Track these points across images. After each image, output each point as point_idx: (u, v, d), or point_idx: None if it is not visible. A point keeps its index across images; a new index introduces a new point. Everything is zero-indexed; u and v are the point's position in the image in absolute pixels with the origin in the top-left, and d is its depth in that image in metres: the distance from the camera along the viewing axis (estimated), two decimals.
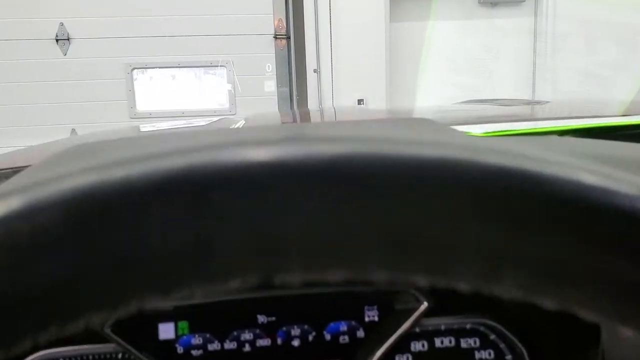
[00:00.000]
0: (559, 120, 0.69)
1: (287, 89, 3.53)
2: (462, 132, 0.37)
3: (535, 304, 0.14)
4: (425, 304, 0.43)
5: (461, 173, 0.12)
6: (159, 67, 3.40)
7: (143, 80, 3.41)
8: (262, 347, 0.45)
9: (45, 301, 0.12)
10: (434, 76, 3.60)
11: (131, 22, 3.31)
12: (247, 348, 0.44)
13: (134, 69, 3.38)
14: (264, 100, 3.50)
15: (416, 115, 1.29)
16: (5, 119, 3.33)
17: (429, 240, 0.13)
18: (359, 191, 0.13)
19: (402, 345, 0.45)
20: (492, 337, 0.46)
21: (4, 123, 3.34)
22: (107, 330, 0.41)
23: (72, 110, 3.34)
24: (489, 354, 0.46)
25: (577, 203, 0.13)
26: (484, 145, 0.14)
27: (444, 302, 0.44)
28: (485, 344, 0.46)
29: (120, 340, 0.42)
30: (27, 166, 0.74)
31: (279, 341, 0.45)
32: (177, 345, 0.44)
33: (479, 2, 3.58)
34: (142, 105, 3.42)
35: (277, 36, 3.47)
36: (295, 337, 0.45)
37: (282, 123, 1.33)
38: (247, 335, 0.44)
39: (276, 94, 3.52)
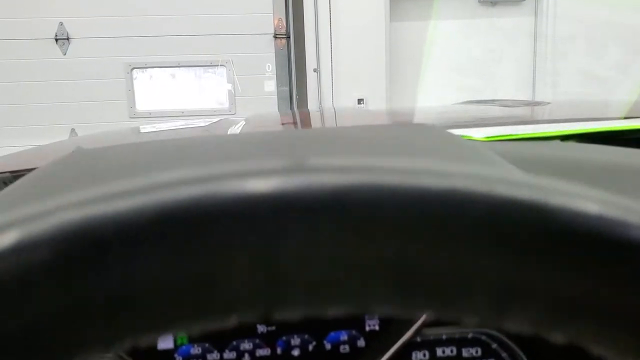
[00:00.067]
0: (561, 124, 0.68)
1: (287, 89, 3.53)
2: (464, 142, 0.36)
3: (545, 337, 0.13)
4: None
5: (469, 206, 0.12)
6: (159, 67, 3.39)
7: (143, 80, 3.40)
8: (261, 357, 0.44)
9: (34, 341, 0.12)
10: (434, 76, 3.60)
11: (131, 22, 3.30)
12: (246, 358, 0.44)
13: (134, 68, 3.37)
14: (263, 100, 3.49)
15: (417, 116, 1.29)
16: (4, 118, 3.32)
17: (435, 276, 0.13)
18: (363, 226, 0.12)
19: (403, 355, 0.44)
20: (494, 346, 0.45)
21: (3, 123, 3.33)
22: None
23: (72, 109, 3.34)
24: None
25: (587, 236, 0.12)
26: (491, 174, 0.13)
27: None
28: (487, 354, 0.45)
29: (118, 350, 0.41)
30: (25, 170, 0.74)
31: (279, 351, 0.44)
32: (176, 355, 0.44)
33: (479, 2, 3.57)
34: (141, 105, 3.42)
35: (277, 36, 3.46)
36: (295, 346, 0.44)
37: (283, 124, 1.32)
38: (246, 345, 0.44)
39: (276, 94, 3.52)
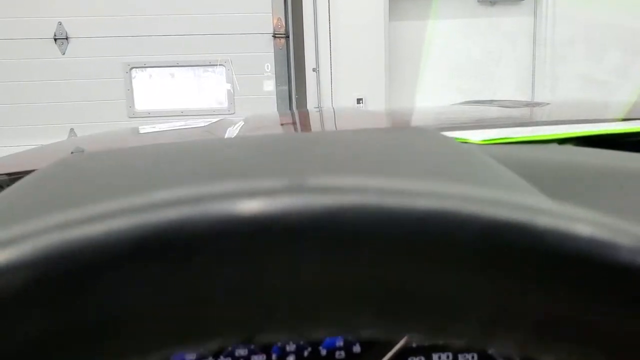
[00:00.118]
0: (559, 126, 0.68)
1: (286, 88, 3.52)
2: (458, 149, 0.36)
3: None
4: None
5: (456, 230, 0.12)
6: (158, 67, 3.39)
7: (141, 80, 3.40)
8: None
9: None
10: (433, 75, 3.59)
11: (130, 22, 3.30)
12: None
13: (133, 68, 3.37)
14: (263, 100, 3.49)
15: (415, 117, 1.29)
16: (3, 118, 3.32)
17: (423, 300, 0.12)
18: (350, 249, 0.12)
19: None
20: (491, 351, 0.45)
21: (2, 123, 3.33)
22: None
23: (71, 109, 3.33)
24: None
25: (575, 258, 0.12)
26: (480, 195, 0.13)
27: None
28: (484, 359, 0.45)
29: None
30: (22, 172, 0.74)
31: (274, 357, 0.44)
32: None
33: (478, 1, 3.57)
34: (140, 105, 3.41)
35: (276, 35, 3.46)
36: (291, 352, 0.44)
37: (282, 125, 1.32)
38: (241, 351, 0.44)
39: (275, 94, 3.52)
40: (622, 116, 0.98)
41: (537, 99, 3.62)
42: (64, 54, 3.30)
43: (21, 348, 0.11)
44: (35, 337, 0.11)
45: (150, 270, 0.12)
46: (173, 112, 3.39)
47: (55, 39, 3.27)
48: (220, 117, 3.39)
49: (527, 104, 1.34)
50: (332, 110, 1.64)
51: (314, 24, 3.41)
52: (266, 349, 0.44)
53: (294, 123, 1.36)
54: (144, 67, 3.37)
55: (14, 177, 0.75)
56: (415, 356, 0.45)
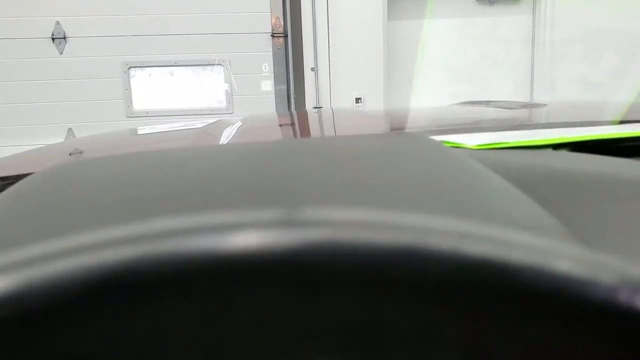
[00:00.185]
0: (555, 130, 0.68)
1: (284, 87, 3.52)
2: (450, 163, 0.36)
3: None
4: None
5: (424, 267, 0.11)
6: (156, 66, 3.38)
7: (140, 79, 3.39)
8: None
9: None
10: (431, 75, 3.59)
11: (127, 21, 3.29)
12: None
13: (131, 67, 3.36)
14: (261, 99, 3.48)
15: (412, 118, 1.28)
16: (1, 118, 3.31)
17: (390, 340, 0.12)
18: (315, 287, 0.11)
19: None
20: None
21: (0, 122, 3.32)
22: None
23: (69, 109, 3.33)
24: None
25: (550, 296, 0.12)
26: (455, 228, 0.12)
27: None
28: None
29: None
30: (16, 175, 0.73)
31: None
32: None
33: (477, 0, 3.56)
34: (138, 104, 3.41)
35: (275, 34, 3.45)
36: None
37: (280, 125, 1.31)
38: None
39: (273, 93, 3.51)
40: (620, 118, 0.98)
41: (537, 96, 3.62)
42: (61, 53, 3.29)
43: None
44: None
45: (94, 319, 0.11)
46: (171, 112, 3.38)
47: (53, 39, 3.27)
48: (219, 116, 3.40)
49: (525, 105, 1.33)
50: (331, 111, 1.64)
51: (313, 23, 3.41)
52: None
53: (291, 124, 1.36)
54: (142, 66, 3.37)
55: (8, 181, 0.74)
56: None
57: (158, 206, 0.23)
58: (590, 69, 3.46)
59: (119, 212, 0.21)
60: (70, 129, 3.36)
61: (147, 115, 3.40)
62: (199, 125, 1.29)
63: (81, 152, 1.10)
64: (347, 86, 3.48)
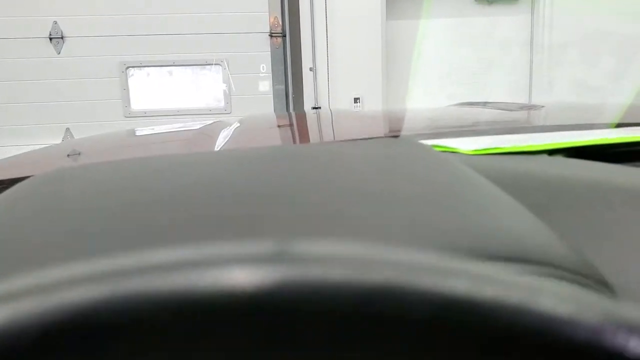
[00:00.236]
0: (551, 134, 0.68)
1: (282, 87, 3.51)
2: (438, 177, 0.36)
3: None
4: None
5: (401, 306, 0.11)
6: (154, 66, 3.37)
7: (137, 79, 3.39)
8: None
9: None
10: (430, 75, 3.58)
11: (125, 21, 3.29)
12: None
13: (128, 67, 3.35)
14: (259, 99, 3.48)
15: (409, 120, 1.28)
16: None
17: None
18: (284, 326, 0.11)
19: None
20: None
21: None
22: None
23: (66, 109, 3.32)
24: None
25: (530, 335, 0.11)
26: (435, 264, 0.12)
27: None
28: None
29: None
30: (10, 180, 0.73)
31: None
32: None
33: (476, 0, 3.56)
34: (136, 104, 3.40)
35: (273, 34, 3.45)
36: None
37: (279, 126, 1.31)
38: None
39: (271, 93, 3.51)
40: (617, 120, 0.98)
41: (535, 94, 3.61)
42: (59, 53, 3.28)
43: None
44: None
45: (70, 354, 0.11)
46: (169, 112, 3.38)
47: (51, 38, 3.26)
48: (217, 116, 3.38)
49: (522, 107, 1.33)
50: (327, 112, 1.63)
51: (311, 22, 3.40)
52: None
53: (287, 126, 1.36)
54: (139, 66, 3.36)
55: (3, 185, 0.74)
56: None
57: (129, 235, 0.23)
58: (589, 70, 3.45)
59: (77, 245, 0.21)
60: (67, 129, 3.35)
61: (145, 115, 3.39)
62: (197, 127, 1.29)
63: (79, 154, 1.09)
64: (346, 86, 3.47)
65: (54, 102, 3.30)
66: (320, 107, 3.47)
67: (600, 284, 0.29)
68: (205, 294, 0.11)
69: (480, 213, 0.31)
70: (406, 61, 3.59)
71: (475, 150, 0.58)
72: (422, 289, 0.11)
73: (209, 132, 1.17)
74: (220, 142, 1.00)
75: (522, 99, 3.61)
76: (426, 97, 3.50)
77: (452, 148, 0.60)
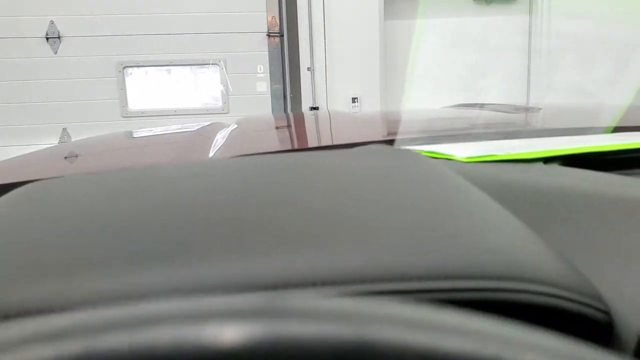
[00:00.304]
0: (547, 140, 0.67)
1: (280, 87, 3.51)
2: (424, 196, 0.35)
3: None
4: None
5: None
6: (151, 66, 3.37)
7: (135, 79, 3.38)
8: None
9: None
10: (427, 74, 3.58)
11: (122, 20, 3.28)
12: None
13: (126, 67, 3.35)
14: (257, 99, 3.47)
15: (405, 122, 1.28)
16: None
17: None
18: None
19: None
20: None
21: None
22: None
23: (63, 109, 3.31)
24: None
25: None
26: (397, 316, 0.12)
27: None
28: None
29: None
30: (4, 185, 0.72)
31: None
32: None
33: (474, 0, 3.56)
34: (134, 104, 3.39)
35: (271, 34, 3.44)
36: None
37: (277, 128, 1.31)
38: None
39: (269, 93, 3.50)
40: (614, 124, 0.97)
41: (534, 92, 3.61)
42: (56, 53, 3.27)
43: None
44: None
45: None
46: (167, 112, 3.37)
47: (47, 38, 3.25)
48: (214, 116, 3.37)
49: (518, 109, 1.33)
50: (323, 114, 1.63)
51: (309, 22, 3.39)
52: None
53: (284, 127, 1.35)
54: (137, 66, 3.35)
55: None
56: None
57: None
58: (586, 75, 3.45)
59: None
60: (64, 129, 3.34)
61: (143, 115, 3.38)
62: (194, 128, 1.29)
63: (76, 156, 1.09)
64: (344, 86, 3.47)
65: (50, 102, 3.29)
66: (318, 108, 3.46)
67: (595, 299, 0.28)
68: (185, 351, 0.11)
69: (472, 228, 0.30)
70: (404, 61, 3.59)
71: (470, 158, 0.57)
72: (397, 345, 0.11)
73: (206, 133, 1.16)
74: (216, 145, 1.00)
75: (521, 95, 3.61)
76: (423, 98, 3.50)
77: (446, 155, 0.60)
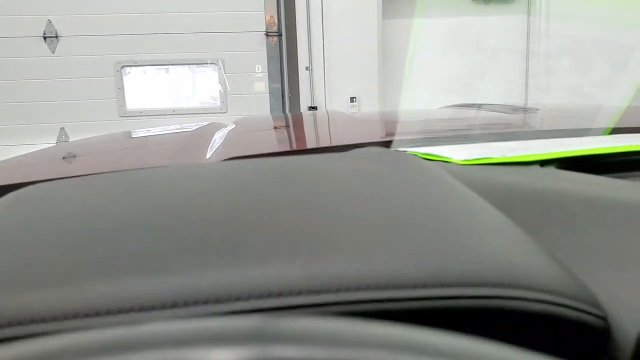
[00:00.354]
0: (544, 142, 0.67)
1: (279, 86, 3.50)
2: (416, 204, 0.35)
3: None
4: None
5: None
6: (149, 65, 3.36)
7: (133, 78, 3.37)
8: None
9: None
10: (426, 74, 3.58)
11: (120, 20, 3.27)
12: None
13: (124, 66, 3.34)
14: (255, 98, 3.47)
15: (402, 122, 1.27)
16: None
17: None
18: None
19: None
20: None
21: None
22: None
23: (61, 108, 3.31)
24: None
25: None
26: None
27: None
28: None
29: None
30: (4, 186, 0.72)
31: None
32: None
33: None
34: (131, 104, 3.39)
35: (269, 33, 3.44)
36: None
37: (275, 128, 1.31)
38: None
39: (267, 93, 3.50)
40: (612, 125, 0.97)
41: (532, 93, 3.61)
42: (53, 52, 3.26)
43: None
44: None
45: None
46: (164, 111, 3.37)
47: (45, 37, 3.24)
48: (212, 116, 3.36)
49: (516, 109, 1.33)
50: (321, 114, 1.63)
51: (307, 21, 3.39)
52: None
53: (282, 128, 1.35)
54: (135, 65, 3.35)
55: None
56: None
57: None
58: (582, 77, 3.45)
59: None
60: (62, 129, 3.33)
61: (141, 114, 3.38)
62: (192, 128, 1.29)
63: (74, 157, 1.09)
64: (342, 85, 3.47)
65: (48, 101, 3.29)
66: (316, 107, 3.46)
67: (591, 305, 0.28)
68: None
69: (468, 234, 0.30)
70: (403, 61, 3.59)
71: (466, 160, 0.57)
72: None
73: (204, 134, 1.16)
74: (214, 145, 1.00)
75: (519, 96, 3.61)
76: (421, 98, 3.49)
77: (443, 157, 0.59)
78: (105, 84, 3.32)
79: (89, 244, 0.28)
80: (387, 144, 0.79)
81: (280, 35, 3.45)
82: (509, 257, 0.29)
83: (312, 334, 0.12)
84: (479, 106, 1.43)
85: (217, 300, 0.22)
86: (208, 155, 0.90)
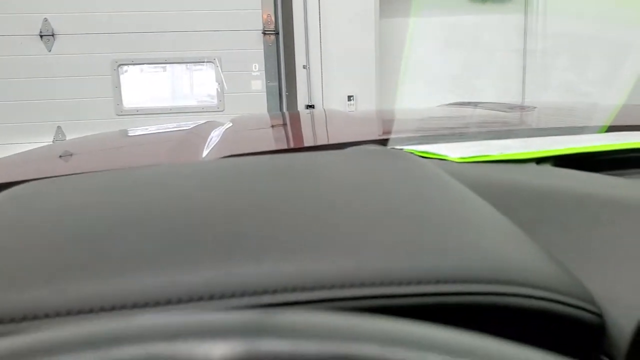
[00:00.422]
0: (540, 140, 0.67)
1: (276, 85, 3.50)
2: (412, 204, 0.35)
3: None
4: None
5: None
6: (145, 64, 3.35)
7: (129, 77, 3.37)
8: None
9: None
10: (423, 73, 3.58)
11: (117, 18, 3.26)
12: None
13: (120, 65, 3.33)
14: (253, 97, 3.47)
15: (399, 122, 1.28)
16: None
17: None
18: None
19: None
20: None
21: None
22: None
23: (58, 107, 3.30)
24: None
25: None
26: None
27: None
28: None
29: None
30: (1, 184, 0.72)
31: None
32: None
33: None
34: (128, 102, 3.38)
35: (266, 32, 3.44)
36: None
37: (272, 126, 1.30)
38: None
39: (264, 91, 3.49)
40: (608, 123, 0.97)
41: (529, 91, 3.62)
42: (50, 50, 3.25)
43: None
44: None
45: None
46: (161, 110, 3.36)
47: (41, 36, 3.23)
48: (209, 114, 3.36)
49: (513, 108, 1.33)
50: (318, 113, 1.63)
51: (304, 20, 3.39)
52: None
53: (279, 126, 1.35)
54: (132, 64, 3.34)
55: None
56: None
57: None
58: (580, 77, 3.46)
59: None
60: (59, 128, 3.33)
61: (137, 113, 3.37)
62: (189, 127, 1.29)
63: (71, 155, 1.09)
64: (339, 84, 3.46)
65: (45, 100, 3.28)
66: (313, 105, 3.46)
67: (586, 302, 0.28)
68: None
69: (463, 231, 0.30)
70: (400, 59, 3.59)
71: (463, 158, 0.57)
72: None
73: (201, 132, 1.16)
74: (210, 144, 0.99)
75: (516, 94, 3.62)
76: (418, 96, 3.50)
77: (439, 155, 0.60)
78: (102, 82, 3.31)
79: (81, 241, 0.28)
80: (384, 142, 0.79)
81: (277, 33, 3.45)
82: (504, 254, 0.29)
83: (303, 328, 0.12)
84: (475, 104, 1.43)
85: (211, 297, 0.22)
86: (204, 154, 0.90)
